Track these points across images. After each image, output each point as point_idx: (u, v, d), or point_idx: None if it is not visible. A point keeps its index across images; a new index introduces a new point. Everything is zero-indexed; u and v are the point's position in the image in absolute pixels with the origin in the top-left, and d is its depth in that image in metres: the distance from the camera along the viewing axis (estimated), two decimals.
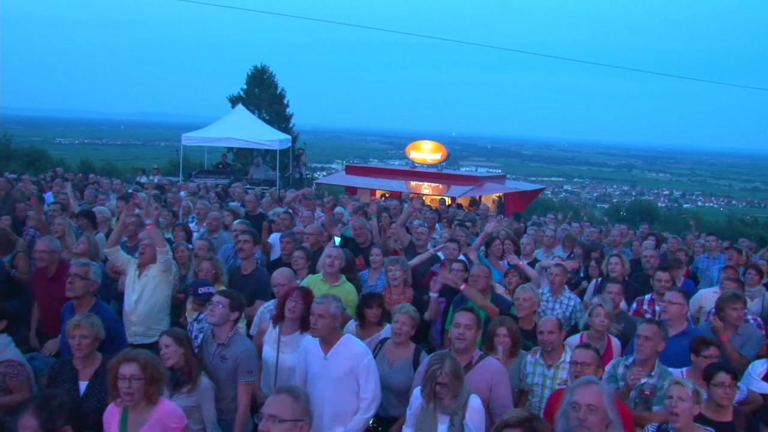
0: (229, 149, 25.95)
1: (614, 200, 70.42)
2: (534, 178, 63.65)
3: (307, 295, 5.19)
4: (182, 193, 13.85)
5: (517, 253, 8.62)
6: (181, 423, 3.97)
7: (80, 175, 18.65)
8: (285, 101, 38.01)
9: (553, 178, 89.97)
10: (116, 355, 3.94)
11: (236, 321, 4.98)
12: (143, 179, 18.62)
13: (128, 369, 3.79)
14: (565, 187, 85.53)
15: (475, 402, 4.21)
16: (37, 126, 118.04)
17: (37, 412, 2.91)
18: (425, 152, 23.17)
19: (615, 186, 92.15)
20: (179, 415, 3.98)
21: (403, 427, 4.50)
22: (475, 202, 19.03)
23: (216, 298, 4.96)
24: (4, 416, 4.35)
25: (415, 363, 5.16)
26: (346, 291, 6.34)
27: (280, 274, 5.76)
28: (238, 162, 27.15)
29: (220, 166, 22.68)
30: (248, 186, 16.85)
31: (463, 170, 29.31)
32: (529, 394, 5.26)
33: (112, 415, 3.92)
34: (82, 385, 4.43)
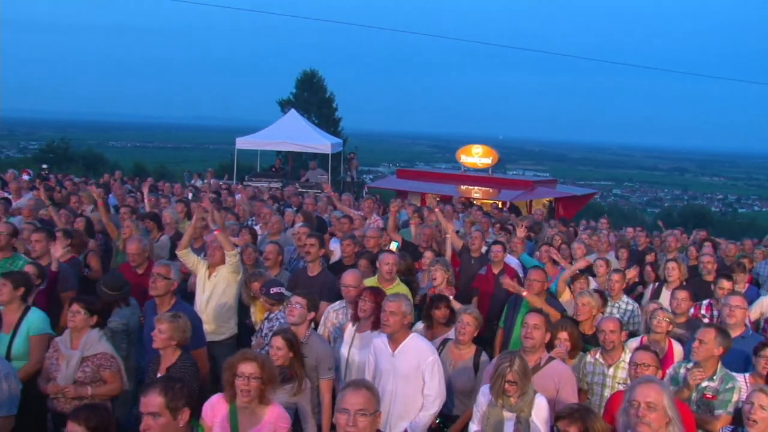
0: (278, 153, 26.47)
1: (665, 204, 69.10)
2: (582, 182, 62.91)
3: (377, 294, 5.44)
4: (237, 196, 14.18)
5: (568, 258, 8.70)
6: (287, 425, 4.15)
7: (138, 178, 19.23)
8: (334, 105, 38.58)
9: (602, 182, 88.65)
10: (237, 353, 4.11)
11: (312, 321, 5.24)
12: (198, 182, 19.10)
13: (248, 368, 3.94)
14: (615, 191, 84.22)
15: (541, 401, 4.37)
16: (92, 129, 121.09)
17: (163, 391, 3.17)
18: (475, 156, 23.23)
19: (666, 190, 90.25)
20: (287, 418, 4.18)
21: (470, 423, 4.69)
22: (514, 208, 18.99)
23: (294, 299, 5.22)
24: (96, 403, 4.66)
25: (476, 363, 5.36)
26: (400, 292, 6.51)
27: (351, 276, 6.01)
28: (286, 165, 27.69)
29: (273, 169, 23.15)
30: (302, 189, 17.25)
31: (510, 173, 29.25)
32: (588, 393, 5.40)
33: (217, 407, 4.06)
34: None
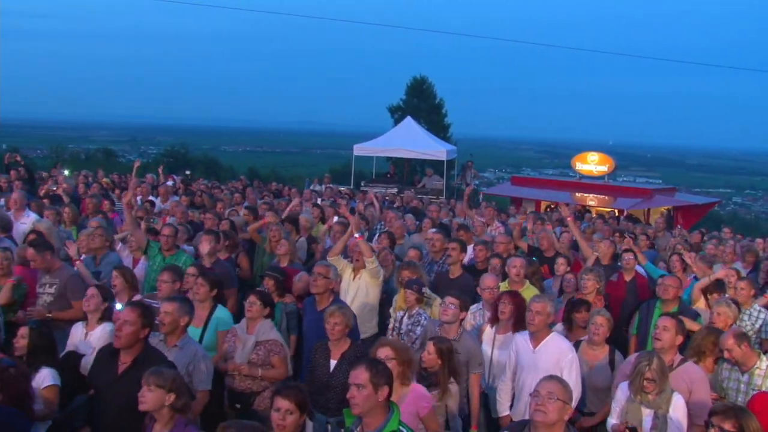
0: (389, 159, 27.10)
1: None
2: (699, 190, 60.21)
3: (516, 297, 5.88)
4: (354, 203, 14.71)
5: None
6: (429, 403, 4.65)
7: (271, 184, 20.09)
8: (443, 111, 38.90)
9: (721, 189, 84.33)
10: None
11: (463, 320, 5.74)
12: (318, 187, 19.89)
13: (383, 351, 4.57)
14: (735, 198, 79.99)
15: (679, 399, 4.70)
16: (205, 134, 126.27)
17: (369, 368, 3.73)
18: (591, 164, 23.07)
19: None
20: (428, 397, 4.68)
21: (608, 418, 5.04)
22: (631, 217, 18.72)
23: (448, 299, 5.72)
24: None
25: (611, 362, 5.72)
26: (530, 295, 6.85)
27: (490, 279, 6.48)
28: (400, 171, 28.28)
29: (389, 175, 23.82)
30: (418, 195, 17.74)
31: (620, 180, 28.61)
32: (724, 398, 5.59)
33: None
34: (332, 364, 5.32)
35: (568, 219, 8.89)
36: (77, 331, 5.57)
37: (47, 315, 6.09)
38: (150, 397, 3.89)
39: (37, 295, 6.43)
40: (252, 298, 5.67)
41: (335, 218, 10.23)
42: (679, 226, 15.57)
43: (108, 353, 4.57)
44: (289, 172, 44.71)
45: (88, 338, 5.45)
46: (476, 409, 5.52)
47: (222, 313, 6.04)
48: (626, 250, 8.10)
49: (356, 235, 7.14)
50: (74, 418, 4.54)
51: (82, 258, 7.02)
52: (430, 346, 5.18)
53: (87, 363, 5.04)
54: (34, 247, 6.49)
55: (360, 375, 3.70)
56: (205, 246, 7.50)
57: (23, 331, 4.79)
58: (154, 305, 5.36)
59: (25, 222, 8.68)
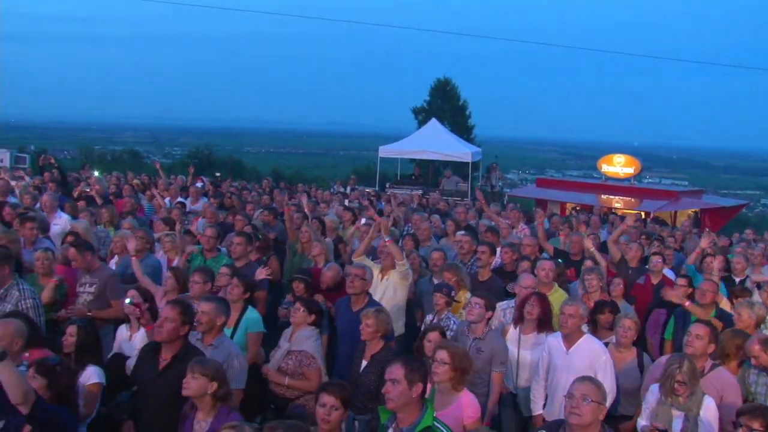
0: (412, 160, 27.16)
1: None
2: (726, 191, 59.38)
3: (542, 299, 5.97)
4: (381, 205, 14.82)
5: (727, 270, 8.76)
6: (476, 415, 4.74)
7: (298, 185, 20.24)
8: (467, 112, 38.93)
9: (749, 191, 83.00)
10: None
11: (489, 319, 5.82)
12: (342, 189, 20.00)
13: (440, 354, 4.69)
14: (763, 200, 78.72)
15: (710, 402, 4.74)
16: (228, 136, 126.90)
17: (405, 365, 3.84)
18: (617, 166, 22.99)
19: None
20: (477, 406, 4.77)
21: (638, 419, 5.10)
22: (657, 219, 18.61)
23: (474, 299, 5.82)
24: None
25: (640, 365, 5.77)
26: (559, 298, 6.83)
27: (529, 279, 6.59)
28: (425, 173, 28.32)
29: (414, 177, 23.90)
30: (443, 197, 17.78)
31: (645, 182, 28.42)
32: (753, 401, 5.61)
33: None
34: (363, 363, 5.42)
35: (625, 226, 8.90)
36: (122, 333, 5.74)
37: (87, 313, 6.27)
38: (194, 384, 4.06)
39: (77, 294, 6.62)
40: (297, 305, 5.81)
41: (363, 220, 10.34)
42: (707, 229, 15.47)
43: (150, 350, 4.73)
44: (312, 173, 44.84)
45: (132, 340, 5.63)
46: (492, 406, 5.62)
47: (253, 314, 6.14)
48: (655, 254, 8.12)
49: (386, 239, 7.22)
50: (117, 412, 4.70)
51: (134, 257, 7.05)
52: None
53: (131, 364, 5.20)
54: (75, 247, 6.68)
55: (395, 371, 3.82)
56: (237, 248, 7.64)
57: (71, 329, 4.96)
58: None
59: (57, 223, 8.85)
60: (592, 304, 6.55)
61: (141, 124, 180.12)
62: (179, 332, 4.63)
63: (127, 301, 5.12)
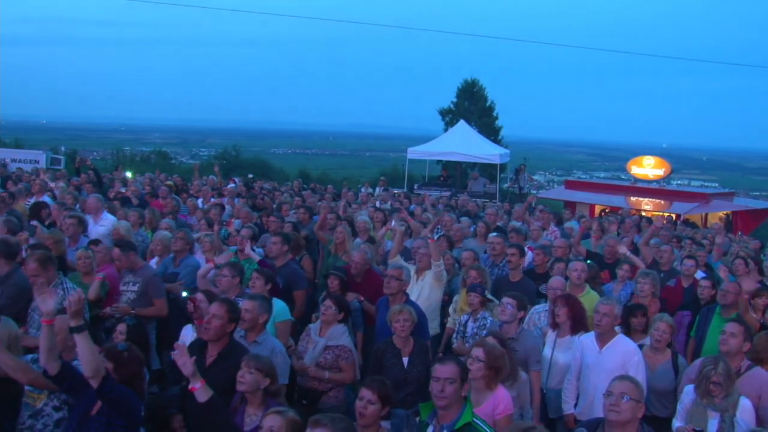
0: (438, 162, 27.21)
1: None
2: (758, 193, 58.45)
3: (570, 300, 6.07)
4: (412, 207, 14.90)
5: (760, 272, 8.74)
6: (507, 411, 4.83)
7: (328, 186, 20.36)
8: (494, 114, 38.79)
9: None
10: None
11: (521, 319, 5.92)
12: (370, 190, 20.10)
13: (475, 351, 4.82)
14: None
15: (746, 403, 4.77)
16: (255, 137, 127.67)
17: (458, 364, 4.03)
18: (647, 168, 22.82)
19: None
20: (510, 401, 4.87)
21: (674, 420, 5.15)
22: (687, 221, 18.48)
23: (505, 299, 5.93)
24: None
25: (675, 366, 5.82)
26: (590, 299, 6.92)
27: (559, 281, 6.67)
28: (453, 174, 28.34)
29: (441, 178, 23.99)
30: (472, 199, 17.80)
31: (674, 183, 28.11)
32: None
33: None
34: (405, 360, 5.55)
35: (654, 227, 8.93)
36: (187, 332, 5.90)
37: (130, 312, 6.47)
38: (249, 378, 4.23)
39: (120, 293, 6.83)
40: (327, 302, 5.94)
41: (393, 222, 10.47)
42: (740, 232, 15.38)
43: (197, 347, 4.89)
44: (339, 174, 45.01)
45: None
46: (536, 406, 5.70)
47: (279, 305, 6.24)
48: (688, 257, 8.14)
49: (429, 237, 7.43)
50: (168, 405, 4.88)
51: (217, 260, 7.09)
52: (489, 339, 5.38)
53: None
54: (119, 247, 6.89)
55: (451, 370, 3.96)
56: (272, 249, 7.80)
57: (122, 327, 5.15)
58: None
59: (104, 224, 9.06)
60: None
61: (168, 126, 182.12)
62: (226, 329, 4.79)
63: (184, 294, 5.28)
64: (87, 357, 4.01)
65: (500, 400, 4.82)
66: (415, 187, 22.52)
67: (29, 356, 4.71)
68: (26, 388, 4.51)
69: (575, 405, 5.78)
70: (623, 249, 8.45)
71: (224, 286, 6.28)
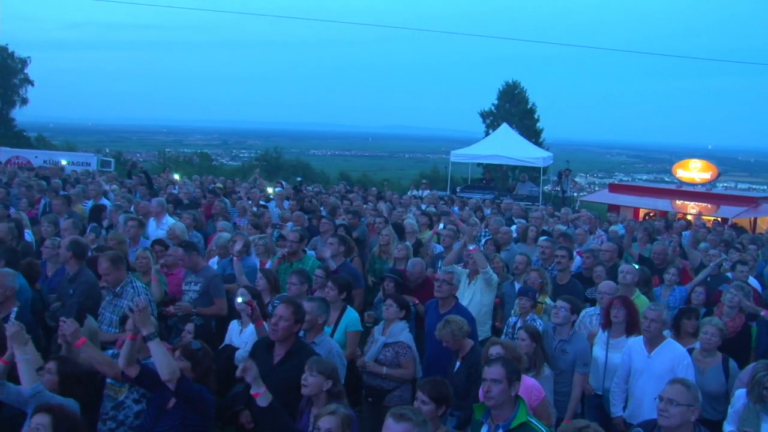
0: (479, 164, 27.24)
1: None
2: None
3: (627, 302, 6.17)
4: (455, 209, 15.03)
5: None
6: (540, 395, 5.02)
7: (372, 189, 20.58)
8: (535, 116, 38.64)
9: None
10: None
11: (574, 322, 6.05)
12: (415, 192, 20.24)
13: (494, 349, 5.02)
14: None
15: None
16: (294, 138, 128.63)
17: (505, 365, 4.17)
18: (694, 171, 22.49)
19: None
20: (539, 387, 5.07)
21: (725, 423, 5.22)
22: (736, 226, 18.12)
23: (559, 303, 6.10)
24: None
25: (725, 370, 5.88)
26: (640, 303, 6.92)
27: (608, 285, 6.77)
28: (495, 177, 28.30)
29: (484, 181, 24.02)
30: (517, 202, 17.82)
31: (720, 186, 27.55)
32: None
33: None
34: (457, 364, 5.73)
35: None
36: (233, 328, 6.19)
37: (192, 311, 6.77)
38: (312, 381, 4.42)
39: (183, 293, 7.12)
40: (389, 301, 6.19)
41: (441, 225, 10.62)
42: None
43: (265, 346, 5.12)
44: (378, 176, 45.20)
45: (242, 334, 6.07)
46: (574, 406, 5.86)
47: (352, 314, 6.50)
48: (741, 262, 8.15)
49: (470, 247, 7.49)
50: (235, 402, 5.12)
51: (237, 258, 7.52)
52: (522, 333, 5.67)
53: (239, 355, 5.63)
54: (183, 248, 7.19)
55: (497, 371, 4.11)
56: (328, 250, 8.02)
57: (189, 327, 5.43)
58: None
59: (166, 227, 9.39)
60: (727, 320, 6.63)
61: (209, 128, 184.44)
62: (292, 330, 5.00)
63: (240, 299, 5.52)
64: (162, 362, 4.26)
65: (530, 387, 4.96)
66: (458, 189, 22.58)
67: (110, 351, 5.01)
68: (108, 380, 4.81)
69: (624, 408, 5.87)
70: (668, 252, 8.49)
71: (294, 293, 6.52)
